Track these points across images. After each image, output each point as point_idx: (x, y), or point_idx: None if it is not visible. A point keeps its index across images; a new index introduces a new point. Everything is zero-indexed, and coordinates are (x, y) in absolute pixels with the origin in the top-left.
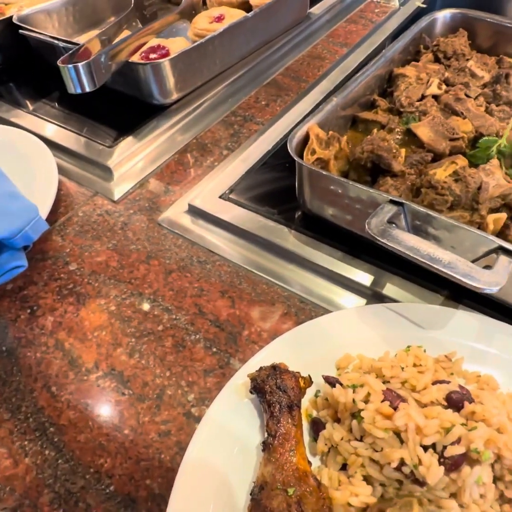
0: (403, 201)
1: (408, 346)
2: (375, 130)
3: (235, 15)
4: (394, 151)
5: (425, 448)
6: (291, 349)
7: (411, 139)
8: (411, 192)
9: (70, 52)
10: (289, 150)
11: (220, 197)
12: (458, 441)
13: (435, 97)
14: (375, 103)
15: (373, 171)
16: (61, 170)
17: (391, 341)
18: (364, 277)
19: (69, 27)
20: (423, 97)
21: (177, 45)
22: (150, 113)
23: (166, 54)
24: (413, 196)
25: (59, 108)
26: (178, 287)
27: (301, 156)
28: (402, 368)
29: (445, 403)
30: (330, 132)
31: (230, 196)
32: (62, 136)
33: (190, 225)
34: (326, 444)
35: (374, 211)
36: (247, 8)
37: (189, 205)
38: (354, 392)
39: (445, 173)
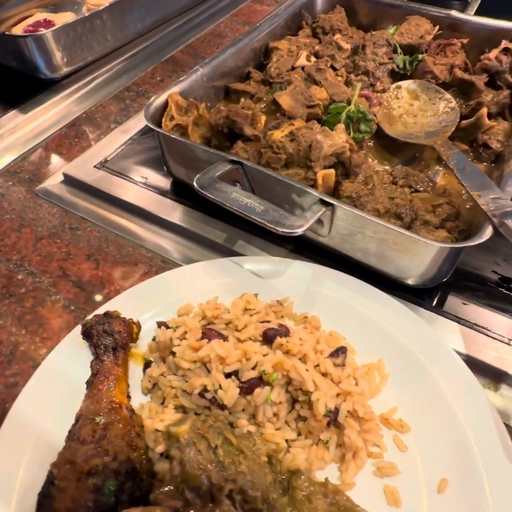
0: (239, 159)
1: (243, 293)
2: (242, 100)
3: None
4: (253, 118)
5: (229, 376)
6: (137, 301)
7: (276, 108)
8: (258, 156)
9: None
10: (145, 117)
11: (95, 166)
12: (254, 367)
13: (304, 69)
14: (250, 75)
15: (231, 136)
16: None
17: (232, 290)
18: (220, 236)
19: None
20: (293, 68)
21: (64, 19)
22: (39, 87)
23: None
24: (259, 158)
25: None
26: (46, 253)
27: (161, 125)
28: (229, 312)
29: (261, 339)
30: (190, 99)
31: (106, 165)
32: None
33: (65, 194)
34: (149, 381)
35: (204, 170)
36: None
37: (64, 174)
38: (174, 332)
39: (282, 134)
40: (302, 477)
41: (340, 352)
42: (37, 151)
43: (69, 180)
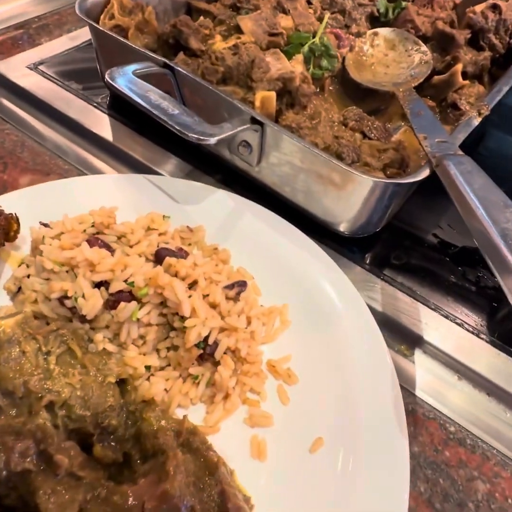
0: (170, 63)
1: (151, 212)
2: (201, 18)
3: None
4: (208, 37)
5: (100, 287)
6: (31, 202)
7: (238, 34)
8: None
9: None
10: (78, 9)
11: (27, 66)
12: (126, 281)
13: None
14: None
15: (177, 50)
16: None
17: (140, 208)
18: (145, 155)
19: None
20: None
21: None
22: None
23: None
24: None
25: None
26: None
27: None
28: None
29: (153, 258)
30: (137, 0)
31: (39, 67)
32: None
33: None
34: (15, 283)
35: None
36: None
37: None
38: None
39: (225, 45)
40: (157, 409)
41: (236, 285)
42: None
43: None
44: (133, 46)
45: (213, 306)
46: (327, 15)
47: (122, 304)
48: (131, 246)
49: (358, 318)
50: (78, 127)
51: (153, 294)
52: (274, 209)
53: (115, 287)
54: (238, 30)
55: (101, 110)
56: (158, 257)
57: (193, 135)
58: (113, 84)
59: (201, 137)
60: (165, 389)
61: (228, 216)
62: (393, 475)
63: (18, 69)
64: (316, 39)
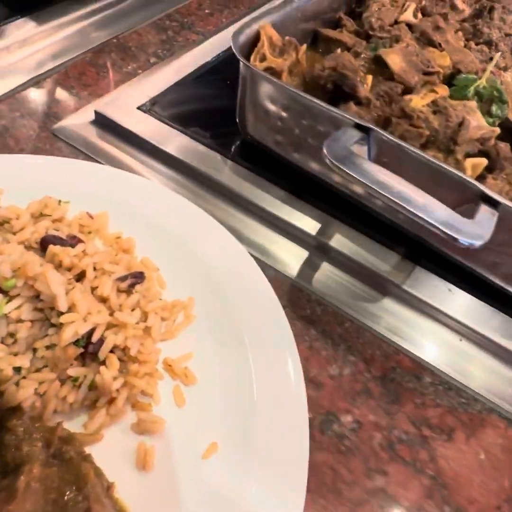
0: (372, 126)
1: (45, 196)
2: (338, 50)
3: None
4: (361, 74)
5: None
6: None
7: (379, 68)
8: (377, 124)
9: None
10: (233, 48)
11: (138, 108)
12: None
13: (409, 27)
14: (341, 23)
15: (334, 94)
16: None
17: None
18: (309, 224)
19: None
20: (395, 22)
21: None
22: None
23: None
24: (385, 128)
25: None
26: None
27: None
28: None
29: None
30: (287, 38)
31: (152, 108)
32: None
33: (95, 139)
34: None
35: (333, 135)
36: None
37: (96, 112)
38: None
39: (423, 102)
40: (23, 417)
41: (130, 276)
42: (53, 76)
43: (102, 122)
44: (328, 107)
45: (103, 300)
46: (497, 55)
47: None
48: (14, 233)
49: (269, 316)
50: (213, 183)
51: (24, 286)
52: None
53: None
54: (379, 64)
55: (237, 162)
56: (43, 245)
57: (464, 239)
58: (342, 168)
59: (471, 241)
60: (40, 394)
61: (138, 202)
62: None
63: (129, 111)
64: (483, 81)
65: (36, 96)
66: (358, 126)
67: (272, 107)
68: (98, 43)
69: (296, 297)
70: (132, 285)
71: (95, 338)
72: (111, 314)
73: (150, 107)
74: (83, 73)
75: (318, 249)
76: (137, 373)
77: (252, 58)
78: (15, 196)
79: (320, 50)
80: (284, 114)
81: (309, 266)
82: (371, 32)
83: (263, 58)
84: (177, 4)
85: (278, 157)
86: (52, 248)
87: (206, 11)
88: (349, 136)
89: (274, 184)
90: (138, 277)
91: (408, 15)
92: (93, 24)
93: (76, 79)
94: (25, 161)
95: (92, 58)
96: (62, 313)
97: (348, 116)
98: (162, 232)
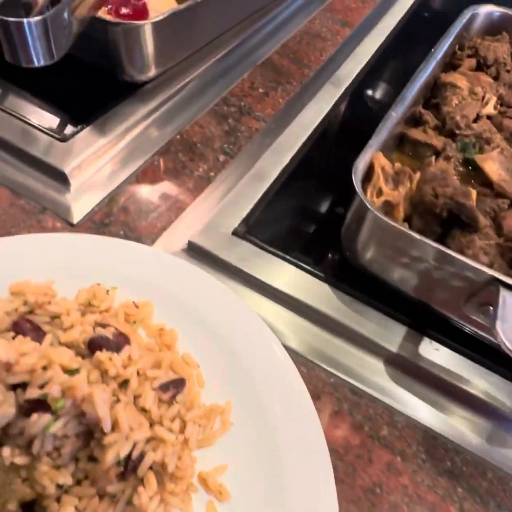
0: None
1: (95, 284)
2: (433, 160)
3: None
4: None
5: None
6: None
7: (472, 173)
8: (502, 257)
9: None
10: (357, 191)
11: (233, 233)
12: (44, 385)
13: (489, 118)
14: (422, 119)
15: (446, 220)
16: None
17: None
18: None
19: None
20: (477, 117)
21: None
22: (116, 93)
23: (143, 10)
24: (508, 265)
25: None
26: None
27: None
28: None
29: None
30: (397, 165)
31: (247, 234)
32: None
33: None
34: None
35: (498, 311)
36: None
37: (190, 243)
38: None
39: None
40: None
41: (172, 385)
42: (127, 189)
43: (197, 251)
44: (485, 270)
45: (144, 410)
46: None
47: (35, 416)
48: (64, 330)
49: (307, 430)
50: (316, 312)
51: (71, 406)
52: None
53: (31, 393)
54: (468, 167)
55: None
56: (91, 349)
57: None
58: None
59: None
60: (79, 510)
61: (182, 290)
62: None
63: (225, 240)
64: None
65: (114, 216)
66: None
67: (397, 254)
68: (164, 142)
69: (432, 447)
70: (173, 396)
71: (135, 455)
72: (151, 425)
73: (245, 232)
74: (155, 181)
75: (449, 392)
76: (173, 491)
77: (368, 193)
78: (64, 277)
79: (407, 152)
80: (412, 261)
81: (441, 410)
82: (457, 131)
83: (380, 192)
84: (230, 84)
85: (396, 291)
86: (98, 355)
87: (260, 90)
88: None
89: (392, 318)
90: (179, 386)
91: (489, 109)
92: (155, 121)
93: (150, 190)
94: (76, 240)
95: (161, 162)
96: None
97: (503, 279)
98: (204, 326)
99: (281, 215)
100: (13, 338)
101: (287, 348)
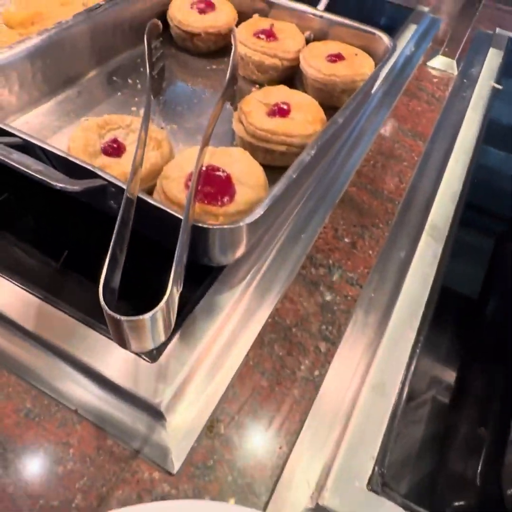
0: None
1: None
2: None
3: (306, 103)
4: None
5: None
6: None
7: None
8: None
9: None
10: None
11: (370, 489)
12: None
13: None
14: None
15: None
16: None
17: None
18: None
19: (35, 88)
20: None
21: (240, 165)
22: (196, 278)
23: (227, 180)
24: None
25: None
26: None
27: None
28: None
29: None
30: None
31: (385, 488)
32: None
33: None
34: None
35: None
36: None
37: (318, 505)
38: None
39: None
40: None
41: None
42: (225, 409)
43: None
44: None
45: None
46: None
47: None
48: None
49: None
50: None
51: None
52: None
53: None
54: None
55: None
56: None
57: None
58: None
59: None
60: None
61: None
62: None
63: (360, 498)
64: None
65: (219, 455)
66: None
67: None
68: (259, 328)
69: None
70: None
71: None
72: None
73: (383, 487)
74: (253, 393)
75: None
76: None
77: None
78: None
79: None
80: None
81: None
82: None
83: None
84: (313, 236)
85: None
86: None
87: (346, 239)
88: None
89: None
90: None
91: None
92: (244, 307)
93: (254, 406)
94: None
95: (253, 361)
96: None
97: None
98: None
99: (411, 454)
100: None
101: None
